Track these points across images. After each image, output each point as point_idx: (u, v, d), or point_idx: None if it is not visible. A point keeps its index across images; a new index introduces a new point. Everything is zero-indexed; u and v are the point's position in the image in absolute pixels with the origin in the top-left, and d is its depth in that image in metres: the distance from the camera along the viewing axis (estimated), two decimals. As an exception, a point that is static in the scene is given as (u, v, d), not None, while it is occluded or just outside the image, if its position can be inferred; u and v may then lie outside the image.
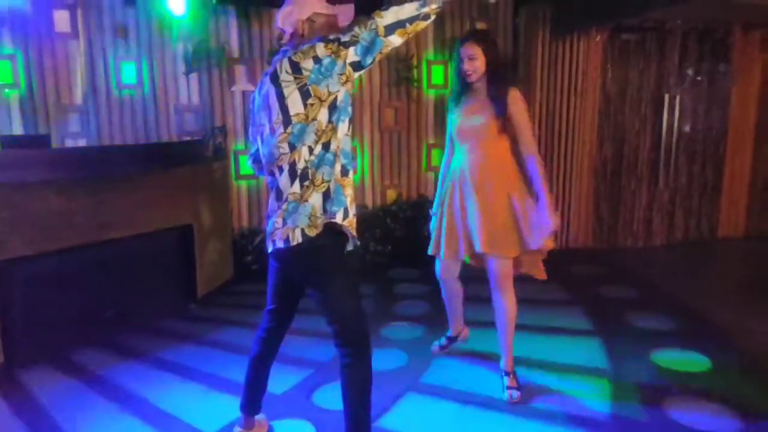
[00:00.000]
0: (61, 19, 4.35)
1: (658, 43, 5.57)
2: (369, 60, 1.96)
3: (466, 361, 3.21)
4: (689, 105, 5.76)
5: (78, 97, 4.48)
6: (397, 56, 5.20)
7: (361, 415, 2.11)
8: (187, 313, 4.11)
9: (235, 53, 4.88)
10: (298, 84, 1.93)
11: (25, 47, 4.23)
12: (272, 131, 2.02)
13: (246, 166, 5.02)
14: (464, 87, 2.82)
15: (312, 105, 1.94)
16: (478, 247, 2.73)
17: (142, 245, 3.81)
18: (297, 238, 1.98)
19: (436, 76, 5.41)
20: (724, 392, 2.82)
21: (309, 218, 1.97)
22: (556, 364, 3.16)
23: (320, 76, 1.92)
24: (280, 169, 2.01)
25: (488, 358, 3.20)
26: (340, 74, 1.93)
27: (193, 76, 4.79)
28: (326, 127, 1.96)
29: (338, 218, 2.00)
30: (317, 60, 1.91)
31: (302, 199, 1.98)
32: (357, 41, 1.93)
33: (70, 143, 4.45)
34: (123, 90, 4.60)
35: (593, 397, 2.80)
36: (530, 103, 5.38)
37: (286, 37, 2.10)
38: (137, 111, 4.67)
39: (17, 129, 4.26)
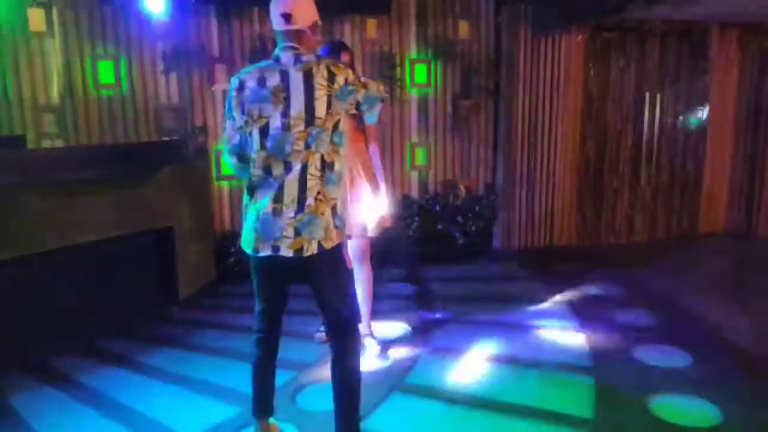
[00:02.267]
0: (36, 17, 4.26)
1: (638, 42, 5.61)
2: (364, 108, 2.20)
3: (448, 360, 3.20)
4: (670, 103, 5.82)
5: (54, 97, 4.39)
6: (381, 55, 5.18)
7: (352, 406, 2.21)
8: (169, 316, 4.05)
9: (216, 52, 4.82)
10: (328, 91, 2.06)
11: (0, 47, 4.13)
12: (286, 126, 2.04)
13: (227, 166, 4.95)
14: None
15: (330, 115, 2.08)
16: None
17: (122, 248, 3.74)
18: (313, 249, 2.08)
19: (419, 74, 5.39)
20: (705, 387, 2.85)
21: (325, 231, 2.09)
22: (539, 361, 3.16)
23: (341, 95, 2.09)
24: (288, 167, 2.04)
25: (481, 357, 3.19)
26: (350, 104, 2.14)
27: (173, 75, 4.72)
28: (330, 147, 2.10)
29: (345, 234, 2.23)
30: (346, 82, 2.11)
31: (317, 211, 2.08)
32: (367, 89, 2.18)
33: (46, 144, 4.35)
34: (101, 89, 4.52)
35: (577, 395, 2.80)
36: (512, 102, 5.43)
37: (293, 35, 2.10)
38: (115, 111, 4.59)
39: (-9, 130, 4.17)
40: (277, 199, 2.05)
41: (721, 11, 4.94)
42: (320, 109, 2.05)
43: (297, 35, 2.11)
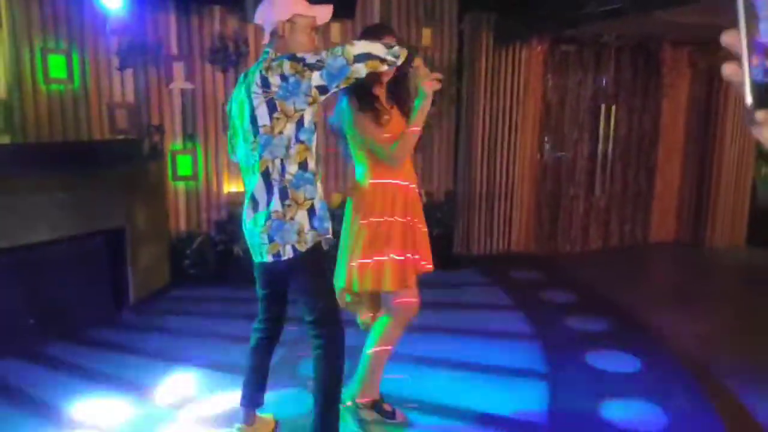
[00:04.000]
0: (-18, 6, 4.07)
1: (594, 55, 5.77)
2: (334, 85, 2.01)
3: (404, 365, 3.19)
4: (624, 115, 6.00)
5: (1, 91, 4.19)
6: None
7: (334, 393, 2.21)
8: (119, 320, 3.91)
9: (174, 50, 4.71)
10: (265, 97, 2.01)
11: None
12: (245, 138, 2.11)
13: (184, 166, 4.85)
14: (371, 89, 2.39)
15: (278, 119, 2.01)
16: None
17: (68, 249, 3.60)
18: (288, 253, 2.08)
19: (381, 80, 5.39)
20: (653, 391, 2.93)
21: (298, 234, 2.08)
22: (495, 367, 3.19)
23: (287, 93, 1.98)
24: (254, 175, 2.10)
25: (438, 364, 3.20)
26: (306, 94, 1.99)
27: (128, 72, 4.58)
28: (298, 145, 2.04)
29: (330, 233, 2.17)
30: (283, 77, 1.97)
31: (286, 217, 2.06)
32: (323, 66, 1.97)
33: (-9, 139, 4.15)
34: (51, 84, 4.34)
35: (531, 399, 2.84)
36: (474, 109, 5.49)
37: (267, 37, 2.14)
38: (67, 107, 4.41)
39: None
40: (253, 207, 2.14)
41: (669, 27, 5.13)
42: (262, 117, 2.02)
43: (270, 40, 2.13)
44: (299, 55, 2.00)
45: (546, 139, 5.80)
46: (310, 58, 1.98)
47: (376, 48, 2.02)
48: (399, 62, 2.08)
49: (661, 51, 5.95)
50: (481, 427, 2.59)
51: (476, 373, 3.12)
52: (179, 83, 4.74)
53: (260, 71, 2.02)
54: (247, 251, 4.82)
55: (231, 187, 4.97)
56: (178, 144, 4.81)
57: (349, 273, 2.36)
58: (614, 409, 2.74)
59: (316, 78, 1.97)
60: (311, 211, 2.09)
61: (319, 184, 2.14)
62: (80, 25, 4.38)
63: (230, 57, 4.77)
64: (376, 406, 2.59)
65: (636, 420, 2.67)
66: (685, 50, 6.04)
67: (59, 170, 3.47)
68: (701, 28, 5.01)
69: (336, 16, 2.28)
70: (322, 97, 2.03)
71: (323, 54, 1.98)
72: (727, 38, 0.52)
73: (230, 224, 4.92)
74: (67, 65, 4.37)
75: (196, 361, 3.23)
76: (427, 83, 2.24)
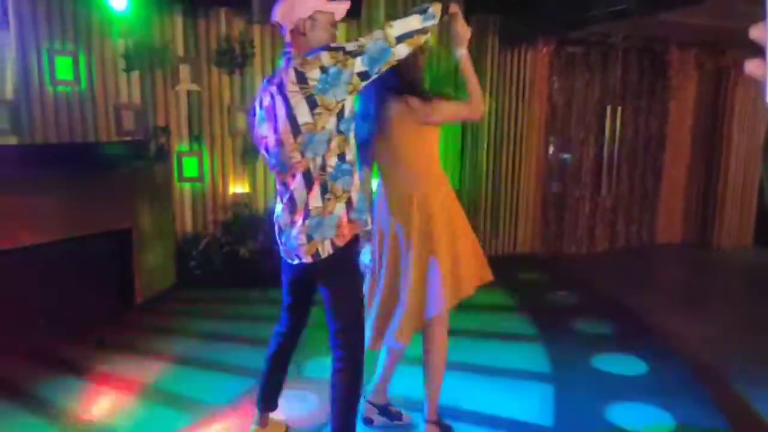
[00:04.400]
0: (-10, 8, 4.10)
1: (601, 57, 5.75)
2: (376, 69, 1.94)
3: (411, 367, 3.18)
4: (630, 117, 5.97)
5: (8, 92, 4.22)
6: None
7: (348, 420, 2.14)
8: (125, 320, 3.92)
9: (180, 52, 4.73)
10: (304, 94, 1.93)
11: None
12: (279, 142, 2.03)
13: (190, 168, 4.86)
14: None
15: (320, 114, 1.93)
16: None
17: (76, 250, 3.62)
18: (327, 250, 2.04)
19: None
20: (659, 394, 2.91)
21: (336, 228, 2.03)
22: (500, 369, 3.18)
23: (327, 85, 1.91)
24: (294, 177, 2.03)
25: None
26: (348, 83, 1.92)
27: (135, 74, 4.60)
28: (338, 137, 1.97)
29: (369, 224, 2.16)
30: (324, 69, 1.90)
31: (326, 211, 2.01)
32: (363, 51, 1.91)
33: (-2, 141, 4.18)
34: (58, 86, 4.36)
35: (535, 401, 2.83)
36: (479, 111, 5.48)
37: (288, 36, 2.04)
38: (73, 108, 4.44)
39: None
40: (290, 210, 2.08)
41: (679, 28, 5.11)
42: (302, 115, 1.95)
43: (291, 38, 2.04)
44: (334, 44, 1.95)
45: (551, 140, 5.79)
46: (350, 45, 1.92)
47: (413, 22, 1.95)
48: (437, 20, 1.98)
49: (668, 53, 5.93)
50: (485, 429, 2.58)
51: (481, 374, 3.11)
52: (185, 85, 4.76)
53: (294, 68, 1.95)
54: (252, 252, 4.86)
55: (237, 188, 4.99)
56: (185, 145, 4.83)
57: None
58: (619, 412, 2.73)
59: (358, 64, 1.90)
60: (348, 203, 2.04)
61: (356, 175, 2.07)
62: (87, 27, 4.40)
63: (236, 59, 4.79)
64: (381, 408, 2.59)
65: (641, 423, 2.65)
66: (692, 52, 6.02)
67: (66, 171, 3.49)
68: (708, 30, 5.00)
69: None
70: (363, 84, 1.95)
71: (362, 39, 1.93)
72: (755, 32, 0.51)
73: (236, 226, 4.94)
74: (74, 67, 4.40)
75: (201, 362, 3.24)
76: (462, 36, 2.22)
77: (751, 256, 5.93)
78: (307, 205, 2.02)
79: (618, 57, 5.80)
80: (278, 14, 2.05)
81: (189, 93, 4.78)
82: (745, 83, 5.84)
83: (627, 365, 3.26)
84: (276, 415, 2.49)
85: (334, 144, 1.97)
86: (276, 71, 2.10)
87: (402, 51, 1.94)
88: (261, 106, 2.11)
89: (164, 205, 4.54)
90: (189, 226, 4.90)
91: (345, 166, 2.01)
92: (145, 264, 4.17)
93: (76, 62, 4.40)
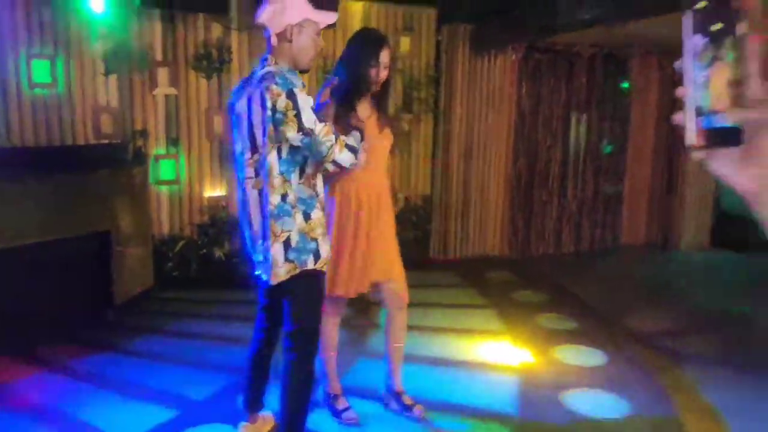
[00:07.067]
0: (-33, 11, 4.12)
1: (567, 63, 6.00)
2: (306, 153, 2.01)
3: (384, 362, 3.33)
4: (595, 122, 6.24)
5: (-15, 95, 4.24)
6: (324, 67, 5.30)
7: (299, 410, 2.20)
8: (105, 322, 3.98)
9: (159, 56, 4.80)
10: (262, 117, 1.98)
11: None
12: (242, 152, 2.11)
13: (167, 171, 4.93)
14: (359, 96, 2.47)
15: (268, 141, 2.00)
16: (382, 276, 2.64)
17: (56, 252, 3.66)
18: (270, 280, 2.11)
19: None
20: (617, 382, 3.12)
21: (272, 267, 2.07)
22: (468, 361, 3.37)
23: (275, 122, 1.96)
24: (249, 194, 2.10)
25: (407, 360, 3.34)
26: (284, 135, 1.96)
27: (113, 77, 4.66)
28: (279, 177, 2.01)
29: (309, 265, 2.09)
30: (275, 109, 1.94)
31: (266, 244, 2.07)
32: (310, 134, 1.95)
33: (-26, 143, 4.19)
34: (35, 89, 4.40)
35: (502, 392, 3.01)
36: (451, 117, 5.67)
37: (273, 39, 2.06)
38: (51, 111, 4.47)
39: None
40: (249, 225, 2.15)
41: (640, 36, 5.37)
42: (259, 136, 2.00)
43: (275, 41, 2.06)
44: (301, 101, 1.94)
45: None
46: (306, 116, 1.94)
47: (354, 154, 2.07)
48: (353, 164, 2.13)
49: (631, 59, 6.21)
50: (454, 418, 2.75)
51: (451, 367, 3.28)
52: (163, 89, 4.83)
53: (261, 91, 1.97)
54: (228, 255, 4.94)
55: (213, 191, 5.07)
56: (162, 149, 4.90)
57: None
58: (578, 400, 2.93)
59: (296, 139, 1.96)
60: (287, 244, 2.04)
61: (299, 216, 2.06)
62: (65, 30, 4.44)
63: (214, 64, 4.88)
64: (335, 398, 2.77)
65: (598, 410, 2.85)
66: (654, 57, 6.30)
67: (45, 174, 3.54)
68: (670, 38, 5.27)
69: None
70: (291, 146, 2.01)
71: (318, 127, 1.96)
72: (679, 91, 0.67)
73: (212, 228, 5.03)
74: (52, 70, 4.44)
75: (181, 359, 3.34)
76: None
77: (708, 256, 6.25)
78: (262, 227, 2.07)
79: (583, 64, 6.05)
80: (264, 16, 2.05)
81: (167, 97, 4.85)
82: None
83: (587, 357, 3.47)
84: (263, 410, 2.59)
85: (277, 182, 2.00)
86: (252, 74, 2.12)
87: (329, 167, 2.07)
88: (234, 111, 2.15)
89: (142, 207, 4.61)
90: (166, 229, 4.97)
91: (286, 207, 2.03)
92: (124, 266, 4.23)
93: (54, 65, 4.44)
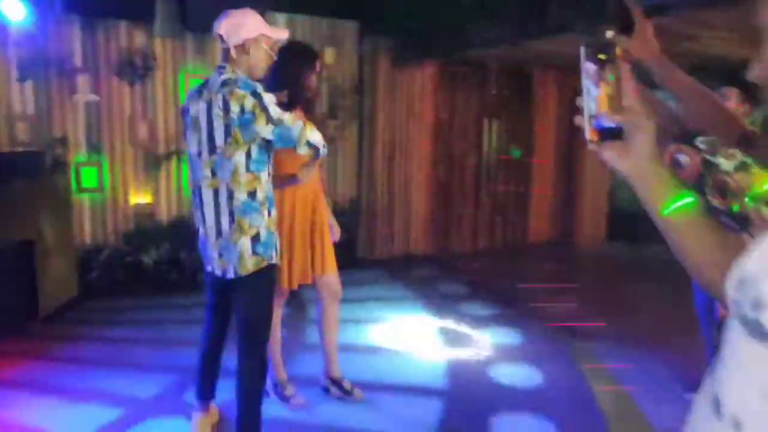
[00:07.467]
0: None
1: (480, 76, 6.50)
2: (279, 146, 2.16)
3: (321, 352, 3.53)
4: (504, 129, 6.79)
5: None
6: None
7: (256, 397, 2.33)
8: (31, 331, 3.87)
9: (79, 62, 4.71)
10: (224, 120, 2.09)
11: None
12: (199, 154, 2.20)
13: (89, 178, 4.83)
14: (300, 102, 2.70)
15: (230, 144, 2.10)
16: (319, 270, 2.85)
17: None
18: (230, 274, 2.21)
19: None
20: (532, 356, 3.52)
21: (239, 259, 2.17)
22: (401, 348, 3.65)
23: (241, 124, 2.07)
24: (205, 193, 2.20)
25: (346, 349, 3.56)
26: (254, 133, 2.09)
27: (29, 83, 4.52)
28: (247, 175, 2.13)
29: (274, 259, 2.25)
30: (243, 109, 2.05)
31: (231, 240, 2.17)
32: (279, 124, 2.08)
33: None
34: (-56, 95, 4.19)
35: (432, 371, 3.32)
36: (374, 124, 5.98)
37: (232, 51, 2.17)
38: (-39, 118, 4.28)
39: None
40: (203, 222, 2.25)
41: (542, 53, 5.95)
42: (219, 138, 2.10)
43: (228, 55, 2.18)
44: (266, 98, 2.08)
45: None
46: (273, 110, 2.08)
47: (321, 141, 2.25)
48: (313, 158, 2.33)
49: (534, 73, 6.83)
50: (388, 395, 3.01)
51: (385, 352, 3.54)
52: (84, 95, 4.74)
53: (223, 95, 2.08)
54: (158, 263, 4.91)
55: (138, 199, 5.02)
56: (83, 156, 4.80)
57: None
58: (500, 371, 3.29)
59: (267, 131, 2.08)
60: (255, 239, 2.16)
61: (266, 213, 2.19)
62: (-24, 35, 4.28)
63: (137, 71, 4.86)
64: (282, 385, 2.94)
65: (517, 380, 3.22)
66: (552, 74, 6.97)
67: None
68: (564, 56, 5.88)
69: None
70: (264, 143, 2.13)
71: (286, 115, 2.11)
72: (578, 100, 0.91)
73: (138, 236, 4.98)
74: (-39, 75, 4.25)
75: (115, 362, 3.35)
76: None
77: (604, 249, 6.95)
78: (218, 223, 2.18)
79: (493, 76, 6.58)
80: (223, 28, 2.17)
81: (87, 104, 4.76)
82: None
83: (506, 337, 3.85)
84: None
85: (243, 179, 2.12)
86: (207, 81, 2.24)
87: (302, 150, 2.20)
88: (188, 113, 2.25)
89: (65, 216, 4.50)
90: (89, 237, 4.86)
91: (255, 204, 2.15)
92: (49, 275, 4.12)
93: (-36, 71, 4.25)
